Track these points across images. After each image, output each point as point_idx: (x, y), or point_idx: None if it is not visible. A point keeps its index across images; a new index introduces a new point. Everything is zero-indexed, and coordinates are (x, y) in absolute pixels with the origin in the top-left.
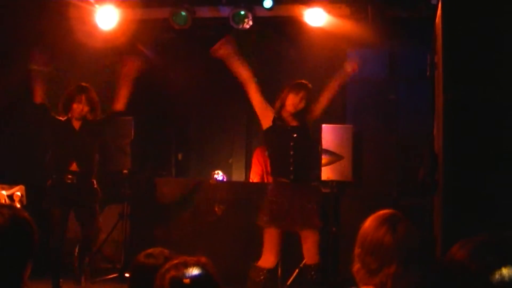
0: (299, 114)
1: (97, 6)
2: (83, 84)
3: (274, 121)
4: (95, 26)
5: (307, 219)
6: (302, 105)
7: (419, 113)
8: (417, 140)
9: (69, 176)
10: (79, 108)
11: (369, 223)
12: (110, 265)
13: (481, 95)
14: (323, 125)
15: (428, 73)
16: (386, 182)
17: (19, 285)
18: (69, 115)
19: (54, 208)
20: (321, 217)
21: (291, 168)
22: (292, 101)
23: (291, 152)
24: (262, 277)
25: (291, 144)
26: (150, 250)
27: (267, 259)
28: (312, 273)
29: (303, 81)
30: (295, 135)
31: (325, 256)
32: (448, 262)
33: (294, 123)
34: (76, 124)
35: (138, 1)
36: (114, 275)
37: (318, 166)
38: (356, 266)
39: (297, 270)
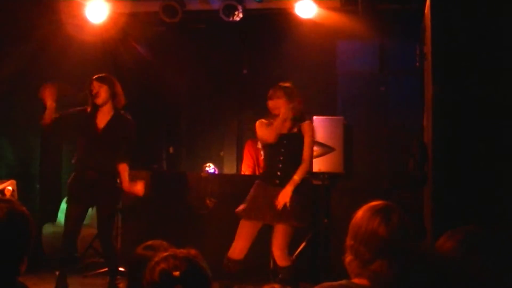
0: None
1: None
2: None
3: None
4: (85, 20)
5: (283, 216)
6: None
7: (409, 105)
8: (407, 132)
9: (90, 173)
10: (95, 90)
11: (362, 214)
12: (102, 259)
13: (470, 85)
14: (315, 117)
15: (417, 64)
16: (377, 174)
17: (15, 279)
18: (96, 109)
19: (71, 205)
20: (300, 216)
21: (278, 173)
22: (272, 106)
23: (281, 158)
24: (233, 269)
25: (282, 150)
26: (149, 242)
27: (234, 249)
28: (281, 275)
29: (278, 85)
30: (285, 142)
31: (316, 248)
32: (436, 253)
33: (286, 131)
34: (101, 120)
35: None
36: (106, 269)
37: None
38: (349, 257)
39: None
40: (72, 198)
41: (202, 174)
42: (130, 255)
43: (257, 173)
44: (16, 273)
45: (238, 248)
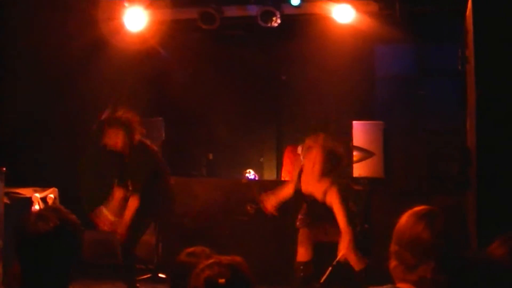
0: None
1: (127, 5)
2: (105, 116)
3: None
4: (122, 26)
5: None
6: (318, 166)
7: (448, 108)
8: (447, 135)
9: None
10: (111, 142)
11: (406, 219)
12: (143, 266)
13: None
14: (354, 122)
15: (459, 67)
16: (417, 178)
17: (67, 285)
18: None
19: None
20: (348, 221)
21: None
22: (306, 168)
23: None
24: (301, 273)
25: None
26: (191, 249)
27: (300, 253)
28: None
29: (308, 139)
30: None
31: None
32: (488, 259)
33: (309, 190)
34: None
35: (166, 2)
36: (147, 275)
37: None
38: (393, 263)
39: (330, 268)
40: None
41: (242, 180)
42: (173, 262)
43: None
44: (67, 281)
45: (300, 252)
